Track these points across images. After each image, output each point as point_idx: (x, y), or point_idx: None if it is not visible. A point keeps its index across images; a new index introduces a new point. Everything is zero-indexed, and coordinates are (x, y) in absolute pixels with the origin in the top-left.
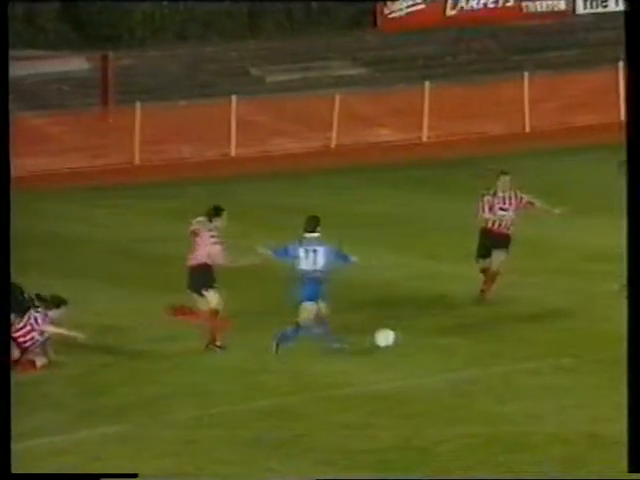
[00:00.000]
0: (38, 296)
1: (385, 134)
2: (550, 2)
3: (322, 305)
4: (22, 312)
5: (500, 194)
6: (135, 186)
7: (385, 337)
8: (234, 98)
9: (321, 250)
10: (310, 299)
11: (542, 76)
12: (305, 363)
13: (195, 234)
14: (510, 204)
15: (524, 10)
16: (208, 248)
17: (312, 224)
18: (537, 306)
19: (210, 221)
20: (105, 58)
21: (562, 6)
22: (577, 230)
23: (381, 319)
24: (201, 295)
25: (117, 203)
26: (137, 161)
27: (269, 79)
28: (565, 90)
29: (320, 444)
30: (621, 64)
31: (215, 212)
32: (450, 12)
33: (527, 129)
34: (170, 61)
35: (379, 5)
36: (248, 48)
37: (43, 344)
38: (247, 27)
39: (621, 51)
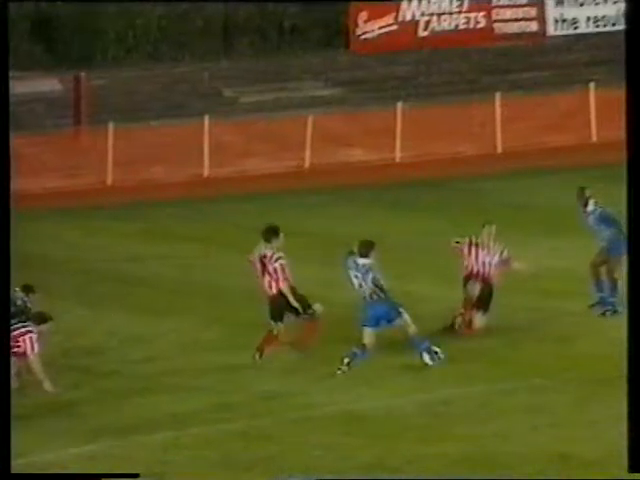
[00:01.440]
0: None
1: (358, 154)
2: (521, 24)
3: (400, 322)
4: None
5: (484, 244)
6: (108, 207)
7: (431, 355)
8: (207, 119)
9: (370, 271)
10: (368, 324)
11: (513, 97)
12: (277, 384)
13: (261, 262)
14: (493, 256)
15: (495, 32)
16: (280, 274)
17: (365, 249)
18: (508, 327)
19: (269, 242)
20: (78, 79)
21: (533, 28)
22: (547, 251)
23: (354, 339)
24: (281, 322)
25: (90, 224)
26: (109, 182)
27: (242, 100)
28: (536, 111)
29: (292, 465)
30: (592, 85)
31: (273, 233)
32: (422, 33)
33: (499, 150)
34: (143, 81)
35: (351, 26)
36: (221, 68)
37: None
38: (220, 47)
39: (592, 73)
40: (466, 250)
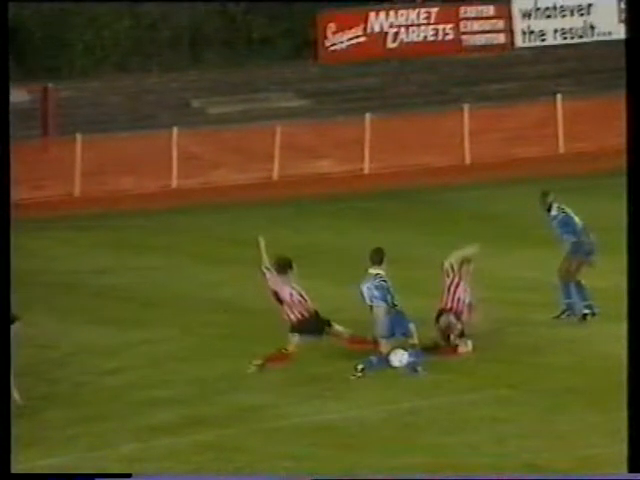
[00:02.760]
0: None
1: (327, 166)
2: (489, 35)
3: (402, 339)
4: None
5: (461, 280)
6: (75, 217)
7: (399, 358)
8: (175, 130)
9: (382, 286)
10: (383, 335)
11: (482, 108)
12: (246, 394)
13: (276, 293)
14: (466, 295)
15: (464, 43)
16: (300, 306)
17: (377, 256)
18: (474, 337)
19: (285, 273)
20: (45, 89)
21: (501, 40)
22: (516, 261)
23: (323, 351)
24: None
25: (57, 235)
26: (77, 193)
27: (210, 111)
28: (504, 122)
29: (261, 476)
30: (559, 97)
31: (288, 265)
32: (391, 45)
33: (467, 161)
34: (111, 92)
35: (320, 37)
36: (189, 79)
37: None
38: (189, 58)
39: (559, 84)
40: (448, 283)
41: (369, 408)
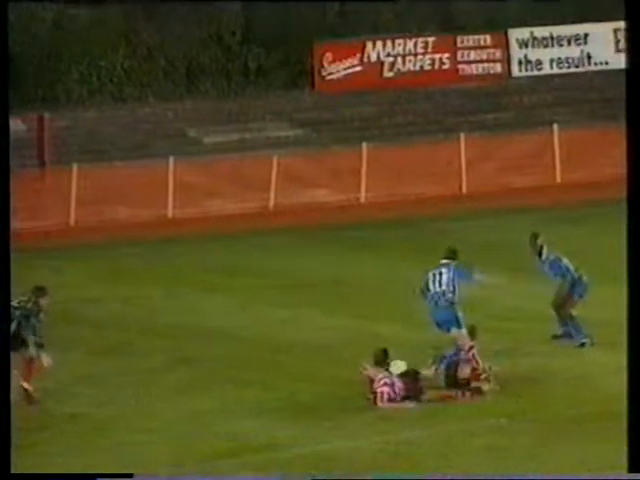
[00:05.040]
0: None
1: (323, 195)
2: (486, 65)
3: (456, 333)
4: None
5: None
6: (71, 247)
7: (398, 367)
8: (171, 159)
9: (445, 271)
10: (440, 325)
11: (478, 138)
12: (241, 424)
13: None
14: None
15: (460, 73)
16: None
17: (450, 253)
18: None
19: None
20: (41, 119)
21: (498, 69)
22: (510, 291)
23: (317, 378)
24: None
25: (53, 264)
26: (72, 222)
27: (206, 140)
28: (501, 152)
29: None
30: (555, 126)
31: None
32: (387, 74)
33: (464, 190)
34: (107, 122)
35: (316, 67)
36: (185, 109)
37: None
38: (184, 88)
39: (555, 113)
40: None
41: (365, 438)
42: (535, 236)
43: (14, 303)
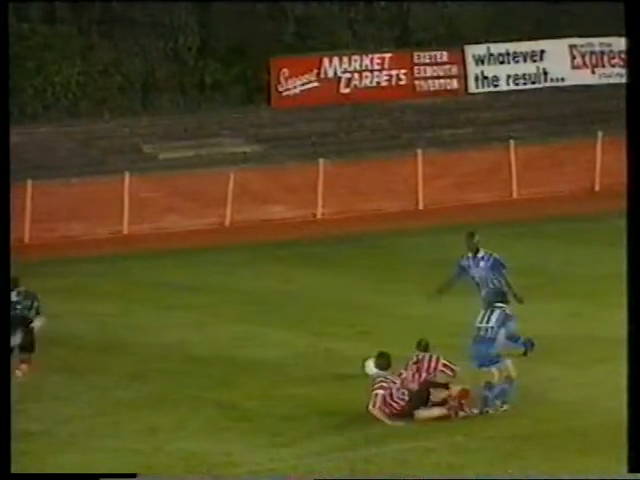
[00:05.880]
0: None
1: (279, 211)
2: (442, 81)
3: (494, 371)
4: None
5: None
6: (25, 264)
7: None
8: (127, 175)
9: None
10: (478, 361)
11: (435, 154)
12: (198, 443)
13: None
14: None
15: (417, 89)
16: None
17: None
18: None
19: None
20: None
21: (454, 85)
22: (464, 307)
23: (273, 395)
24: None
25: None
26: (27, 239)
27: (162, 156)
28: (458, 168)
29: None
30: (512, 142)
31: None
32: (344, 90)
33: (420, 206)
34: (62, 138)
35: (273, 82)
36: (141, 125)
37: None
38: (140, 103)
39: (512, 130)
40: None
41: (322, 455)
42: (471, 234)
43: None
